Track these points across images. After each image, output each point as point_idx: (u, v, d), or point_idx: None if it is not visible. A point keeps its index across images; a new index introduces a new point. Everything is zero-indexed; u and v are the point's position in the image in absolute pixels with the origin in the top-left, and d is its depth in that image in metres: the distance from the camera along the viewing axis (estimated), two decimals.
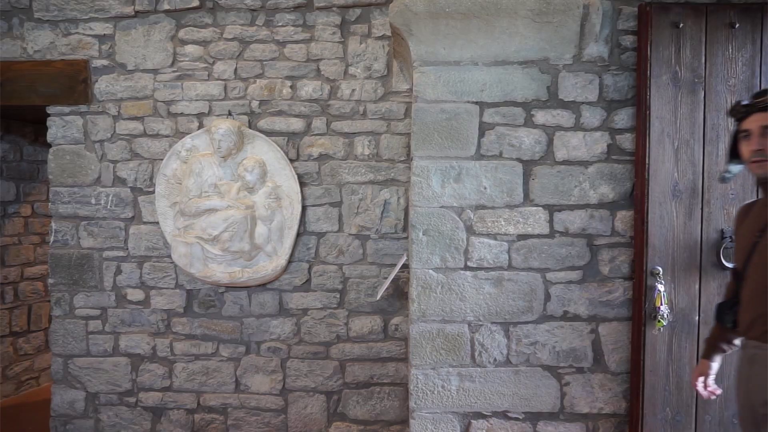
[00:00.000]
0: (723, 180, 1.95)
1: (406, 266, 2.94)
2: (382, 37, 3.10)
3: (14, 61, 3.21)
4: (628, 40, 2.47)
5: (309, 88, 3.13)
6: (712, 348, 1.97)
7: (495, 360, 2.47)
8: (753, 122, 1.70)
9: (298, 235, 3.14)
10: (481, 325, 2.47)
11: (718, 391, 2.00)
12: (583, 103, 2.47)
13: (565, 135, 2.47)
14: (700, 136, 2.39)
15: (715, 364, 1.97)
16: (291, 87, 3.14)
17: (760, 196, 1.84)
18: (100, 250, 3.23)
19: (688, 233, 2.40)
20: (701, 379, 1.99)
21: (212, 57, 3.16)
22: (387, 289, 3.07)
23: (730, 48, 2.39)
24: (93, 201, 3.22)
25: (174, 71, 3.18)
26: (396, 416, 3.14)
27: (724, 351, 1.94)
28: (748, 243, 1.78)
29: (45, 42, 3.20)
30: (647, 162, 2.39)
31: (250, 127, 3.13)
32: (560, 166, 2.48)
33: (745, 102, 1.77)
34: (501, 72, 2.45)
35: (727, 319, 1.84)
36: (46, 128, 3.24)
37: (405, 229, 3.12)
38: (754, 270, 1.73)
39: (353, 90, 3.12)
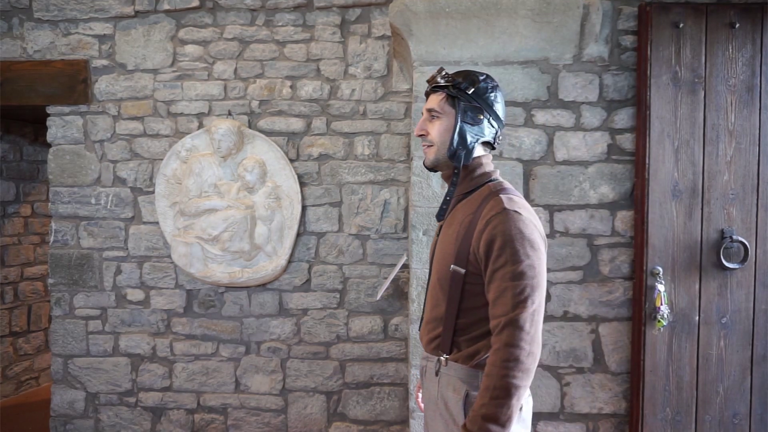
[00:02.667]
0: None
1: (406, 266, 2.93)
2: (382, 37, 3.10)
3: (14, 61, 3.21)
4: (628, 40, 2.47)
5: (309, 88, 3.13)
6: None
7: None
8: (425, 105, 1.55)
9: (298, 235, 3.14)
10: None
11: None
12: (583, 103, 2.47)
13: (565, 135, 2.47)
14: (700, 136, 2.39)
15: None
16: (291, 87, 3.14)
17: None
18: (100, 250, 3.23)
19: (688, 233, 2.40)
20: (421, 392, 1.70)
21: (212, 57, 3.16)
22: (387, 289, 3.07)
23: (730, 48, 2.39)
24: (93, 201, 3.22)
25: (174, 71, 3.17)
26: (396, 416, 3.14)
27: None
28: (433, 243, 1.62)
29: (45, 42, 3.20)
30: (647, 162, 2.39)
31: (250, 127, 3.13)
32: (560, 166, 2.47)
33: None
34: (501, 72, 2.45)
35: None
36: (46, 128, 3.24)
37: (405, 229, 3.12)
38: (432, 274, 1.56)
39: (353, 90, 3.12)
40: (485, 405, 1.27)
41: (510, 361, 1.26)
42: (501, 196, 1.41)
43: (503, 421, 1.26)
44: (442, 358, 1.45)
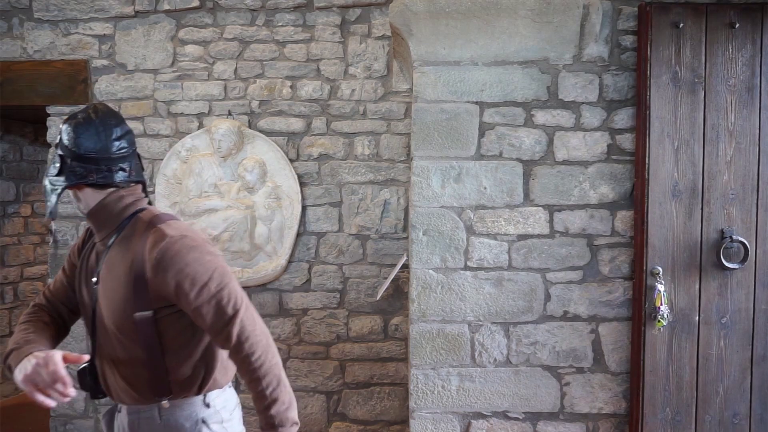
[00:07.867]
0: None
1: (406, 266, 2.94)
2: (382, 37, 3.10)
3: (14, 61, 3.21)
4: (628, 40, 2.47)
5: (309, 88, 3.13)
6: None
7: (495, 360, 2.47)
8: None
9: (298, 235, 3.14)
10: (481, 325, 2.46)
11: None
12: (583, 103, 2.47)
13: (565, 135, 2.47)
14: (700, 136, 2.39)
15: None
16: (291, 87, 3.14)
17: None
18: None
19: (688, 233, 2.40)
20: None
21: (212, 57, 3.16)
22: (387, 289, 3.07)
23: (730, 48, 2.39)
24: None
25: (174, 71, 3.18)
26: (396, 416, 3.14)
27: None
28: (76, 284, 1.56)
29: (45, 42, 3.20)
30: (647, 162, 2.39)
31: (250, 127, 3.13)
32: (560, 166, 2.47)
33: None
34: (501, 72, 2.45)
35: None
36: (46, 128, 3.24)
37: (405, 229, 3.12)
38: (99, 322, 1.49)
39: (353, 90, 3.12)
40: (273, 401, 1.42)
41: (254, 354, 1.39)
42: (159, 226, 1.40)
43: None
44: (163, 402, 1.44)
